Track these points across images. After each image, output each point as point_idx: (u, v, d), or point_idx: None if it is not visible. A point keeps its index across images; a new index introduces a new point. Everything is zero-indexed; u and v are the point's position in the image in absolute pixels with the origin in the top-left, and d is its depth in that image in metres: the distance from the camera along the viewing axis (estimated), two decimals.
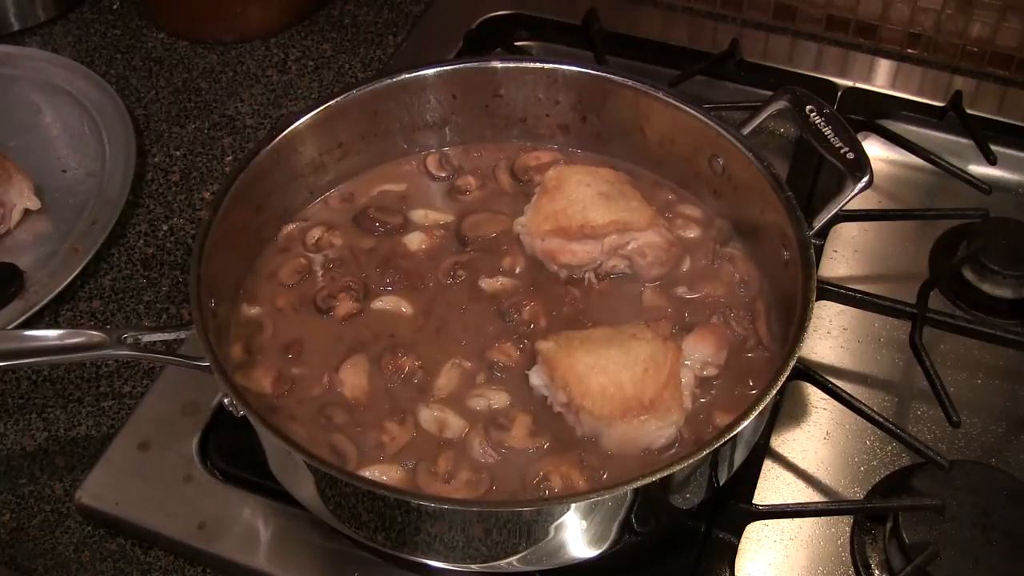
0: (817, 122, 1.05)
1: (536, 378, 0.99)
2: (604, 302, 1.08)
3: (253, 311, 1.06)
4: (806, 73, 1.44)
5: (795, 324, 0.94)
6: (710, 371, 1.01)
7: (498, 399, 1.00)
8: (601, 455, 0.95)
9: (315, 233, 1.12)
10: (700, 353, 1.01)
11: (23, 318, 1.18)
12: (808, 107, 1.07)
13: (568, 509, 0.85)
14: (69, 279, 1.21)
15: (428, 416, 0.98)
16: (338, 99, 1.12)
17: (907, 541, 0.97)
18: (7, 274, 1.21)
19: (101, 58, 1.52)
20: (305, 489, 0.92)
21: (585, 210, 1.07)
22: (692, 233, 1.13)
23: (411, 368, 1.02)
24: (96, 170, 1.34)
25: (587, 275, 1.09)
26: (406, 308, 1.07)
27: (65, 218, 1.29)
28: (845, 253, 1.26)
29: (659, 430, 0.95)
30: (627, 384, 0.94)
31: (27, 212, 1.29)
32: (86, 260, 1.23)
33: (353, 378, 1.01)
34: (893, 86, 1.44)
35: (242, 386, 0.93)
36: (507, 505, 0.89)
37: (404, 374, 1.01)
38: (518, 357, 1.02)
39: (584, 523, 0.88)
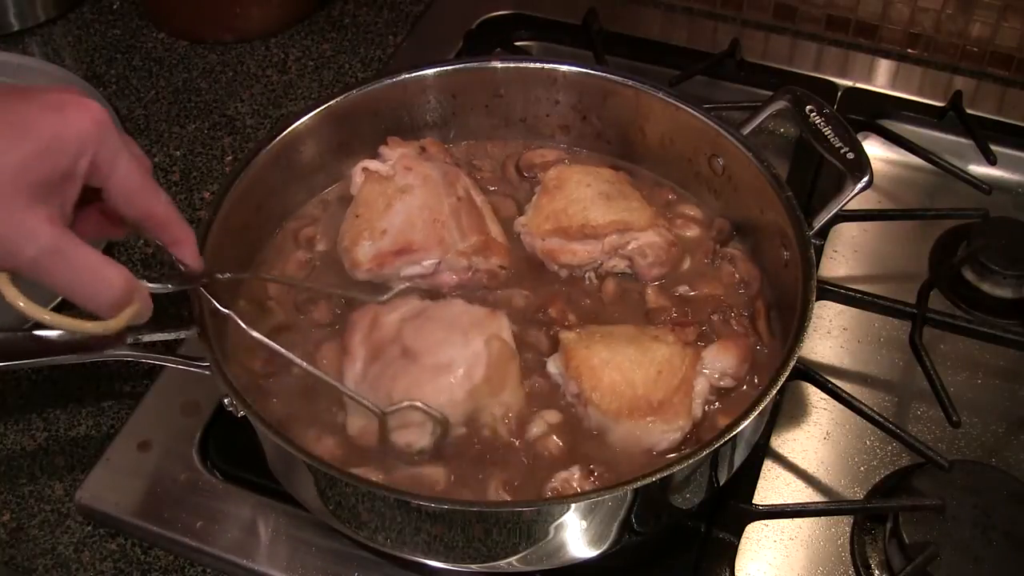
0: (817, 122, 1.05)
1: (553, 366, 1.00)
2: (604, 302, 1.08)
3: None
4: (806, 73, 1.44)
5: (795, 324, 0.94)
6: (727, 382, 1.00)
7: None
8: (604, 455, 0.95)
9: (309, 231, 1.12)
10: (721, 363, 0.99)
11: None
12: (808, 107, 1.07)
13: (568, 509, 0.85)
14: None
15: None
16: (338, 99, 1.12)
17: (907, 541, 0.97)
18: None
19: (101, 58, 1.52)
20: (305, 489, 0.92)
21: (585, 210, 1.07)
22: (692, 233, 1.13)
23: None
24: None
25: (587, 275, 1.09)
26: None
27: None
28: (845, 253, 1.26)
29: (664, 433, 0.95)
30: (639, 383, 0.95)
31: None
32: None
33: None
34: (893, 86, 1.44)
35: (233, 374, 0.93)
36: (507, 505, 0.90)
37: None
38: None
39: (584, 523, 0.88)
